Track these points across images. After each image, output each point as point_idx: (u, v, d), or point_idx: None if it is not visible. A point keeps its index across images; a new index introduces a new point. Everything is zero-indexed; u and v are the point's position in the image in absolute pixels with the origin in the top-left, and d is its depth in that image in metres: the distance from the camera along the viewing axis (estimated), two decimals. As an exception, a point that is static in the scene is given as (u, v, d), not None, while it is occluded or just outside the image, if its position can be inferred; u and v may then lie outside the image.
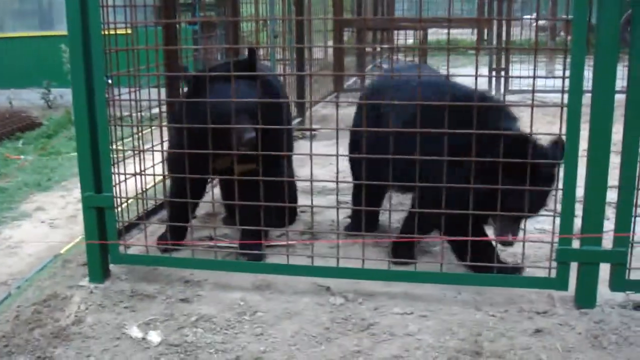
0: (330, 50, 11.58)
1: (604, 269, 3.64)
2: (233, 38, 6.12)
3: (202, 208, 5.36)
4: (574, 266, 3.62)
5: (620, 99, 3.39)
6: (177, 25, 5.66)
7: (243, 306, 3.75)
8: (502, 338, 3.37)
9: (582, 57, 3.36)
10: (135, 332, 3.53)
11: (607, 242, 3.62)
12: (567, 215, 3.52)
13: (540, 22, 17.11)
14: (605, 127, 3.41)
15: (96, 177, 3.97)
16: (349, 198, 5.04)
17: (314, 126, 8.19)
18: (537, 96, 8.56)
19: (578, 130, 3.41)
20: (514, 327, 3.47)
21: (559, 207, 3.55)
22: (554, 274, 3.62)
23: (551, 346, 3.30)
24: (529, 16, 16.93)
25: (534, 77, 3.62)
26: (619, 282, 3.63)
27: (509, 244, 3.80)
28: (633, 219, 3.53)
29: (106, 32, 3.92)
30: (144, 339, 3.47)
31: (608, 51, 3.36)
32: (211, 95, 3.91)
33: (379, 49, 13.35)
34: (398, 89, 4.03)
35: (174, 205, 4.39)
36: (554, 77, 3.39)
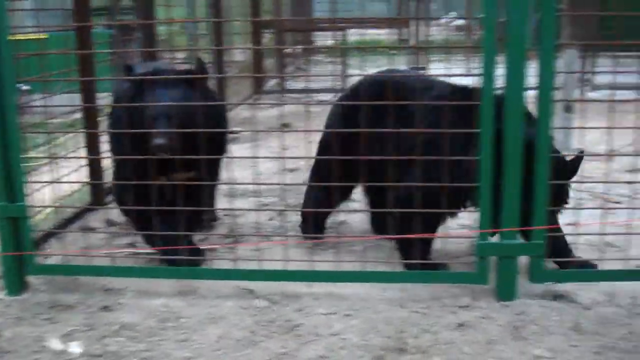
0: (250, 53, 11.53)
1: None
2: (149, 42, 6.01)
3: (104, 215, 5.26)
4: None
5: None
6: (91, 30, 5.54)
7: (166, 313, 3.69)
8: (426, 334, 3.40)
9: (493, 55, 3.43)
10: (56, 344, 3.43)
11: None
12: (484, 211, 3.58)
13: (459, 22, 17.47)
14: (517, 122, 3.48)
15: (8, 186, 3.84)
16: (270, 200, 5.03)
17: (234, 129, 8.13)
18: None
19: (491, 127, 3.47)
20: (437, 322, 3.51)
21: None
22: (474, 268, 3.68)
23: (474, 339, 3.35)
24: (447, 16, 17.32)
25: (449, 76, 3.68)
26: (537, 274, 3.71)
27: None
28: (546, 212, 3.62)
29: (16, 37, 3.81)
30: (64, 351, 3.37)
31: (517, 49, 3.43)
32: (145, 98, 3.85)
33: (299, 50, 13.37)
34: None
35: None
36: (468, 75, 3.46)
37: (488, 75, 3.44)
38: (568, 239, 3.99)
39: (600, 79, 10.21)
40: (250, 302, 3.77)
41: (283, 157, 3.93)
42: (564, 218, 3.98)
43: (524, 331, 3.42)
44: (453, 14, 18.08)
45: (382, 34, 17.27)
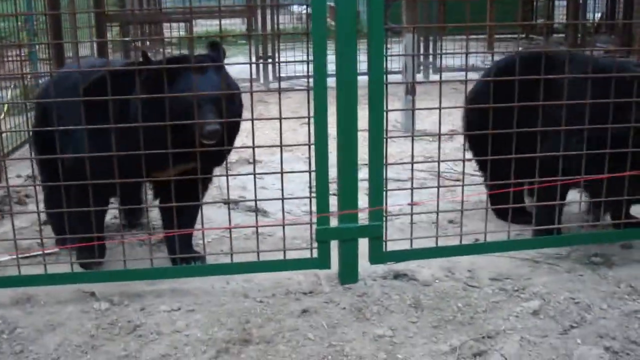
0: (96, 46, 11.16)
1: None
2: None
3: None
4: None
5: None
6: None
7: (1, 324, 3.50)
8: (271, 322, 3.41)
9: (323, 41, 3.46)
10: None
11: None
12: (321, 195, 3.62)
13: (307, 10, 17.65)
14: (350, 108, 3.54)
15: None
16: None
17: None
18: (303, 82, 8.78)
19: (325, 112, 3.51)
20: (281, 310, 3.53)
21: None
22: (315, 254, 3.72)
23: (317, 324, 3.39)
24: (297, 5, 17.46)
25: (279, 62, 3.68)
26: (377, 255, 3.80)
27: None
28: (385, 193, 3.70)
29: None
30: None
31: (347, 35, 3.48)
32: (177, 87, 3.57)
33: (148, 43, 13.08)
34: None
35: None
36: (297, 62, 3.49)
37: (319, 61, 3.48)
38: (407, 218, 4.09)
39: (445, 62, 10.57)
40: (91, 305, 3.65)
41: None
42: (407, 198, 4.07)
43: (366, 312, 3.49)
44: (302, 2, 18.23)
45: (232, 24, 17.24)
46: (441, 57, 9.31)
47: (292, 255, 3.83)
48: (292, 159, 6.11)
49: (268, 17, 11.25)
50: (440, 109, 3.73)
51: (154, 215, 4.61)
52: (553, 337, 3.25)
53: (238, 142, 3.96)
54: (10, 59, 8.95)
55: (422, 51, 10.90)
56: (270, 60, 10.36)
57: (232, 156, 5.90)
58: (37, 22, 9.54)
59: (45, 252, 3.94)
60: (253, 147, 3.68)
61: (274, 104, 6.35)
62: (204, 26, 14.19)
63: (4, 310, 3.65)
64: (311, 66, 3.50)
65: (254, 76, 10.43)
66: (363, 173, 3.72)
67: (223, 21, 15.51)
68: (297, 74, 9.96)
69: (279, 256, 3.82)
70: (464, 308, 3.54)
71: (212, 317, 3.48)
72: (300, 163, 5.91)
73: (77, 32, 7.33)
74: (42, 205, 4.30)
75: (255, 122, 3.66)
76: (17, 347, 3.30)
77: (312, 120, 3.54)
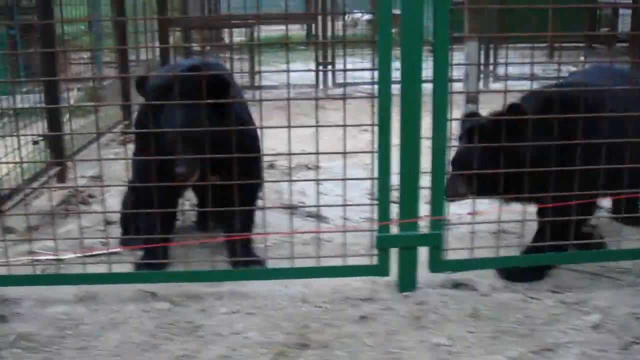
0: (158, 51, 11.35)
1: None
2: (46, 42, 5.85)
3: (25, 221, 5.10)
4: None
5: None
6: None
7: (66, 321, 3.60)
8: (328, 328, 3.42)
9: (389, 48, 3.46)
10: (-55, 360, 3.31)
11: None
12: (383, 203, 3.63)
13: (367, 17, 17.62)
14: (415, 116, 3.53)
15: None
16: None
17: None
18: (365, 88, 8.79)
19: (389, 120, 3.52)
20: (339, 316, 3.54)
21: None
22: (375, 261, 3.72)
23: (375, 331, 3.39)
24: (355, 12, 17.47)
25: (345, 70, 3.69)
26: (437, 264, 3.78)
27: None
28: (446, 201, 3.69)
29: None
30: (-45, 367, 3.26)
31: (412, 43, 3.48)
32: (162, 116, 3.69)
33: (208, 48, 13.25)
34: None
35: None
36: (365, 69, 3.47)
37: (385, 68, 3.48)
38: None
39: (503, 71, 10.45)
40: (151, 305, 3.71)
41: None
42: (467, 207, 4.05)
43: (424, 320, 3.48)
44: (360, 10, 18.22)
45: (292, 30, 17.31)
46: (506, 66, 9.20)
47: (351, 261, 3.83)
48: (351, 166, 6.07)
49: (320, 24, 11.34)
50: (504, 119, 3.71)
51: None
52: (613, 352, 3.19)
53: (297, 147, 3.98)
54: (74, 61, 9.16)
55: (482, 59, 10.80)
56: (331, 67, 10.42)
57: (293, 161, 5.94)
58: (103, 26, 9.76)
59: (110, 251, 4.03)
60: (317, 154, 3.69)
61: (333, 110, 6.36)
62: (266, 31, 14.28)
63: (68, 307, 3.74)
64: (376, 73, 3.51)
65: (313, 82, 10.54)
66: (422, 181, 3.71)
67: (283, 27, 15.61)
68: (356, 81, 9.97)
69: (338, 262, 3.83)
70: (523, 319, 3.50)
71: (271, 320, 3.51)
72: (359, 170, 5.88)
73: (147, 36, 7.44)
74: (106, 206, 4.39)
75: (313, 128, 3.69)
76: (81, 343, 3.38)
77: (375, 127, 3.55)
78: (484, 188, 3.85)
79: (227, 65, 8.80)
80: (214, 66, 4.45)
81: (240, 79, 10.19)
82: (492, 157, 3.74)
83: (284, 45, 4.76)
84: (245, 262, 3.99)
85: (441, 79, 3.53)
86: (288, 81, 3.63)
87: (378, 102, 3.52)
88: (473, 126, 3.87)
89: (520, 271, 3.96)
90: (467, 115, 4.13)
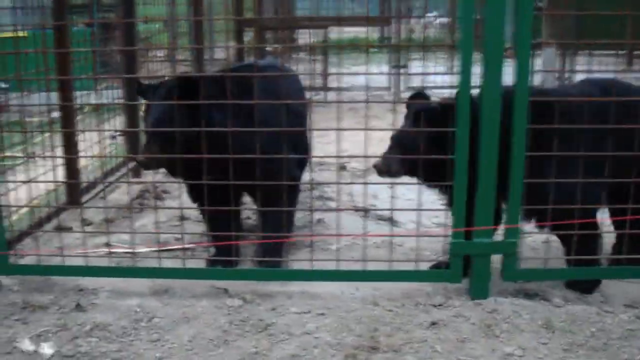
0: (232, 50, 11.49)
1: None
2: (128, 39, 5.98)
3: (101, 214, 5.24)
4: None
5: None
6: (69, 27, 5.51)
7: (140, 313, 3.67)
8: (399, 332, 3.41)
9: (470, 53, 3.43)
10: (27, 345, 3.40)
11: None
12: (458, 210, 3.59)
13: (441, 20, 17.49)
14: (494, 122, 3.49)
15: (-18, 186, 3.82)
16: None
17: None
18: (437, 92, 8.72)
19: (467, 125, 3.48)
20: (410, 320, 3.52)
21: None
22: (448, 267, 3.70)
23: (446, 338, 3.36)
24: (429, 15, 17.33)
25: (423, 74, 3.68)
26: (510, 272, 3.73)
27: None
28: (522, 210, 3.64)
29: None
30: (35, 351, 3.35)
31: (494, 47, 3.44)
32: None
33: (279, 48, 13.34)
34: None
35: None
36: (445, 74, 3.42)
37: (465, 73, 3.45)
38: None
39: (579, 77, 10.25)
40: (224, 301, 3.76)
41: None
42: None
43: (495, 329, 3.44)
44: (435, 12, 18.13)
45: (364, 32, 17.29)
46: (592, 72, 8.98)
47: (422, 266, 3.81)
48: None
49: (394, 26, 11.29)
50: (583, 127, 3.63)
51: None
52: (691, 373, 3.11)
53: (369, 150, 3.96)
54: (150, 59, 9.34)
55: (557, 65, 10.61)
56: (405, 70, 10.39)
57: (363, 165, 5.96)
58: (178, 25, 9.91)
59: (185, 246, 4.10)
60: (391, 157, 3.69)
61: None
62: (338, 33, 14.32)
63: (142, 300, 3.82)
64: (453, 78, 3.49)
65: (385, 85, 10.51)
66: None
67: (356, 29, 15.66)
68: (430, 85, 9.90)
69: (410, 266, 3.82)
70: (597, 333, 3.43)
71: (342, 322, 3.51)
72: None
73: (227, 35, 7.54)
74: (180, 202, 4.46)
75: (383, 131, 3.68)
76: (154, 335, 3.45)
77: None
78: (414, 169, 3.81)
79: (295, 67, 8.87)
80: (268, 67, 4.59)
81: (310, 80, 10.25)
82: (424, 141, 3.71)
83: (358, 47, 4.74)
84: (264, 262, 4.05)
85: (522, 85, 3.48)
86: (366, 84, 3.65)
87: (457, 107, 3.48)
88: (418, 109, 3.83)
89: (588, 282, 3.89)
90: (413, 96, 4.04)
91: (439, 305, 3.68)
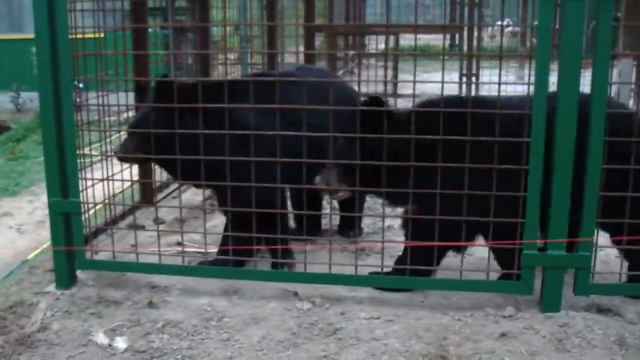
0: (302, 55, 11.57)
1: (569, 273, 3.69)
2: (203, 43, 6.10)
3: (172, 213, 5.34)
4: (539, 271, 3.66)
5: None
6: (147, 30, 5.64)
7: (210, 312, 3.74)
8: (468, 342, 3.39)
9: (547, 63, 3.41)
10: (101, 338, 3.50)
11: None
12: (531, 221, 3.55)
13: (512, 28, 17.29)
14: (570, 133, 3.44)
15: (63, 182, 3.94)
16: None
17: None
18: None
19: (542, 136, 3.45)
20: (479, 330, 3.50)
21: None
22: (519, 278, 3.65)
23: (516, 350, 3.32)
24: (499, 23, 17.11)
25: (499, 83, 3.65)
26: (583, 286, 3.67)
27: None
28: (596, 223, 3.58)
29: (75, 36, 3.90)
30: (110, 345, 3.44)
31: (572, 57, 3.40)
32: None
33: (350, 54, 13.39)
34: None
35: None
36: (520, 83, 3.37)
37: (542, 83, 3.42)
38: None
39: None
40: (293, 304, 3.80)
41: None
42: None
43: (567, 344, 3.38)
44: (506, 20, 17.91)
45: (435, 40, 17.20)
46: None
47: (492, 277, 3.78)
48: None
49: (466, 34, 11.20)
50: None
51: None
52: None
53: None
54: (220, 62, 9.48)
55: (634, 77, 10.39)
56: (475, 79, 10.30)
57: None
58: (250, 29, 10.03)
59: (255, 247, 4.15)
60: (464, 166, 3.66)
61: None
62: (407, 40, 14.31)
63: (212, 299, 3.89)
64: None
65: (455, 93, 10.41)
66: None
67: (426, 36, 15.61)
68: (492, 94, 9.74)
69: (479, 276, 3.79)
70: (674, 352, 3.35)
71: (410, 329, 3.51)
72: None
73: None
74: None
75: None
76: (224, 335, 3.50)
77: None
78: None
79: (367, 73, 8.87)
80: (315, 72, 4.83)
81: (375, 87, 10.25)
82: None
83: (429, 55, 4.73)
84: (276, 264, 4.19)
85: (600, 97, 3.43)
86: (442, 92, 3.64)
87: (532, 117, 3.45)
88: None
89: None
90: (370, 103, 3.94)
91: (509, 316, 3.64)
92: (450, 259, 4.25)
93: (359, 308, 3.74)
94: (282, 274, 3.97)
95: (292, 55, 11.18)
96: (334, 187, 3.91)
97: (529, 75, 3.48)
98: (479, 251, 4.28)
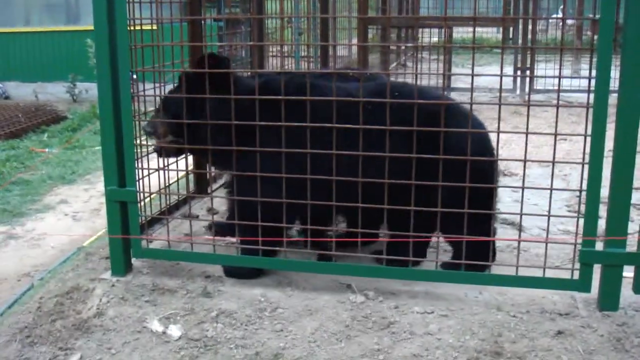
0: (355, 48, 11.56)
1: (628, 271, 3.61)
2: (258, 35, 6.12)
3: (225, 203, 5.36)
4: (597, 268, 3.58)
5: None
6: (203, 22, 5.67)
7: (264, 302, 3.75)
8: (524, 339, 3.35)
9: (609, 57, 3.33)
10: (156, 325, 3.55)
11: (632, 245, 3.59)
12: (590, 217, 3.49)
13: (567, 21, 16.99)
14: (632, 128, 3.37)
15: (120, 171, 3.99)
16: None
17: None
18: (563, 96, 8.50)
19: (604, 131, 3.38)
20: (535, 328, 3.45)
21: (582, 208, 3.52)
22: (576, 275, 3.59)
23: (573, 348, 3.27)
24: (555, 15, 16.83)
25: (560, 77, 3.58)
26: (643, 285, 3.60)
27: None
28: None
29: (132, 28, 3.95)
30: (164, 332, 3.49)
31: (635, 51, 3.32)
32: None
33: (403, 47, 13.31)
34: None
35: None
36: (580, 77, 3.30)
37: (603, 77, 3.35)
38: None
39: None
40: (347, 296, 3.79)
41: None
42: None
43: (626, 343, 3.31)
44: (560, 13, 17.61)
45: (489, 32, 17.02)
46: None
47: (548, 273, 3.72)
48: (547, 175, 5.94)
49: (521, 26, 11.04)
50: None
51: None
52: None
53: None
54: (272, 54, 9.51)
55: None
56: (529, 73, 10.17)
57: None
58: (303, 22, 10.05)
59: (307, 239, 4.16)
60: (524, 161, 3.62)
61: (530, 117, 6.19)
62: (460, 33, 14.17)
63: (266, 290, 3.90)
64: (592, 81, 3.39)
65: (510, 87, 10.31)
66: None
67: (479, 29, 15.44)
68: (554, 87, 9.65)
69: (535, 272, 3.73)
70: None
71: (464, 325, 3.48)
72: (557, 180, 5.73)
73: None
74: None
75: (506, 134, 3.61)
76: (277, 326, 3.51)
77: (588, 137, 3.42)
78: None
79: (420, 66, 8.78)
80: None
81: (428, 80, 10.17)
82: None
83: (488, 47, 4.67)
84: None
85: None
86: (500, 86, 3.59)
87: (593, 112, 3.38)
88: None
89: None
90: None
91: (566, 314, 3.58)
92: (505, 254, 4.21)
93: (413, 302, 3.71)
94: (336, 266, 3.95)
95: (345, 48, 11.20)
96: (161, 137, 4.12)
97: (590, 69, 3.42)
98: (534, 247, 4.23)
